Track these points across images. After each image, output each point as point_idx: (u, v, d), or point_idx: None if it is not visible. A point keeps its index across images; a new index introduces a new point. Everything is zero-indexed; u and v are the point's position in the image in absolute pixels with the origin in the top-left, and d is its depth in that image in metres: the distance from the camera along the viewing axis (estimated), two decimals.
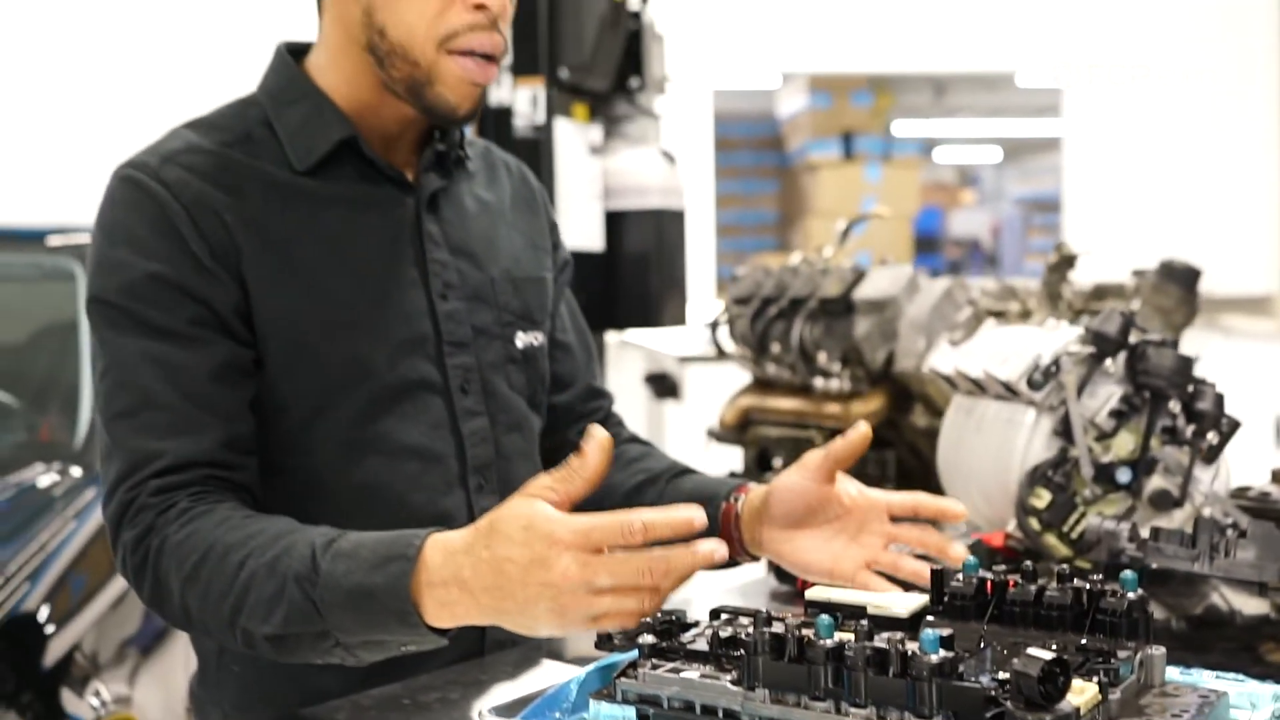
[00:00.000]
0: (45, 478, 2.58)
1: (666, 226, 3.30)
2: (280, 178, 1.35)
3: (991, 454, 1.66)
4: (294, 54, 1.45)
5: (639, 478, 1.57)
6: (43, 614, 2.16)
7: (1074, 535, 1.53)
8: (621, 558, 1.05)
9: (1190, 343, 2.47)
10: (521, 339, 1.50)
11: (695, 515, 1.07)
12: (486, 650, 1.39)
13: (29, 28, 6.91)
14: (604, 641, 1.09)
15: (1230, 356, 6.81)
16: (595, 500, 1.54)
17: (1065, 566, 1.07)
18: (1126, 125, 7.72)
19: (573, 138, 3.10)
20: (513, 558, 1.05)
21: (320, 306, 1.33)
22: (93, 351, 1.33)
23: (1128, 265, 2.66)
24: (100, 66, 6.97)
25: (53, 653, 2.13)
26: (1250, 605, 1.48)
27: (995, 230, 13.47)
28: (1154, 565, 1.35)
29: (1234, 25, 7.70)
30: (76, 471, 2.62)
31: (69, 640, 2.18)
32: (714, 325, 2.69)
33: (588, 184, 3.14)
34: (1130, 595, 1.02)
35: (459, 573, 1.08)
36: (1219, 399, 1.56)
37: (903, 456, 2.49)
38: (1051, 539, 1.54)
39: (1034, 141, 11.78)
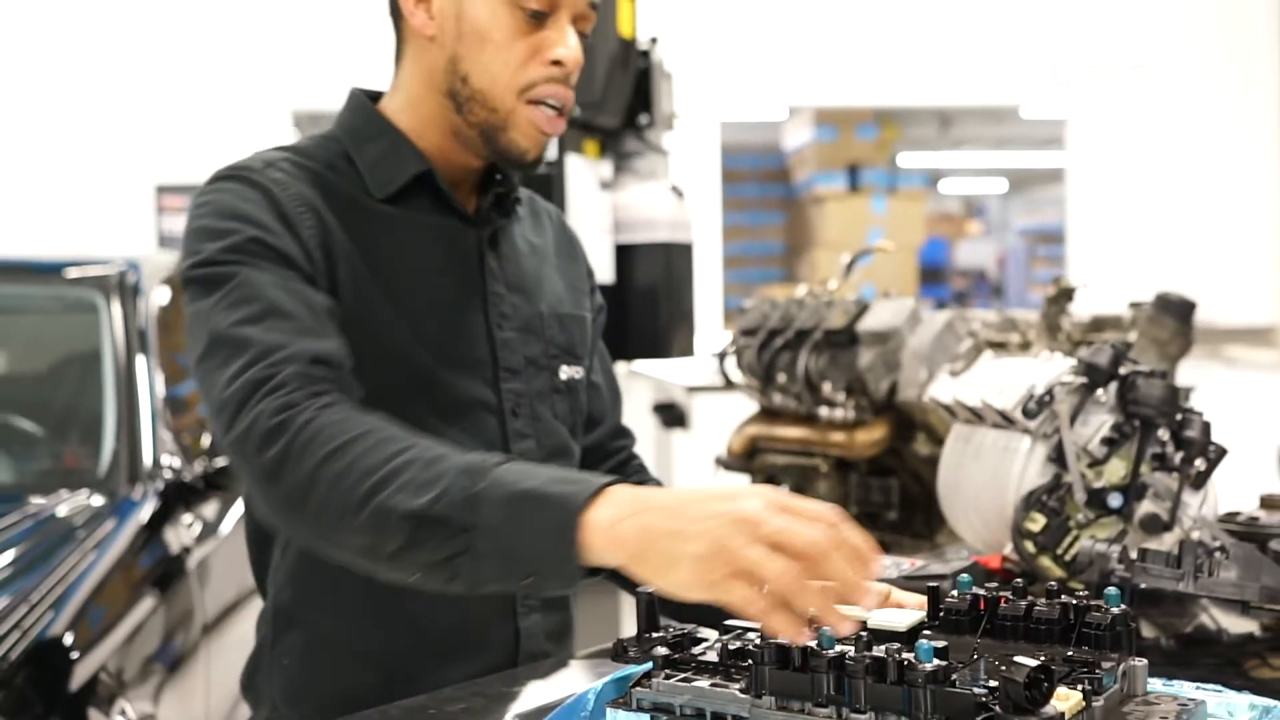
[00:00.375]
0: (65, 506, 2.64)
1: (675, 259, 3.37)
2: (363, 200, 1.44)
3: (989, 480, 1.73)
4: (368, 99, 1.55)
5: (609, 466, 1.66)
6: (68, 639, 2.21)
7: (1067, 558, 1.59)
8: (801, 524, 1.03)
9: (1192, 373, 2.54)
10: (565, 371, 1.59)
11: (881, 591, 1.09)
12: (520, 662, 1.46)
13: (48, 69, 7.02)
14: (620, 654, 1.15)
15: (1232, 387, 6.88)
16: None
17: (1054, 585, 1.14)
18: (1130, 157, 7.80)
19: (583, 173, 3.17)
20: (702, 490, 1.08)
21: (394, 317, 1.41)
22: (190, 318, 1.35)
23: (1126, 297, 2.73)
24: (121, 103, 7.07)
25: (78, 676, 2.19)
26: (1236, 625, 1.54)
27: (1001, 261, 13.55)
28: (1142, 585, 1.42)
29: (1237, 60, 7.79)
30: (98, 500, 2.68)
31: (94, 665, 2.24)
32: (721, 356, 2.76)
33: (598, 218, 3.22)
34: (1114, 610, 1.09)
35: (640, 494, 1.10)
36: (1206, 427, 1.63)
37: (905, 483, 2.56)
38: (1046, 561, 1.60)
39: (1039, 173, 11.88)
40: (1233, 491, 1.75)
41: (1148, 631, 1.54)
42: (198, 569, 2.77)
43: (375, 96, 1.55)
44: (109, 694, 2.22)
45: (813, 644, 1.02)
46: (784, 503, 1.04)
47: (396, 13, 1.48)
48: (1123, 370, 1.63)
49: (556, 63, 1.42)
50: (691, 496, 1.07)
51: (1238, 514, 1.88)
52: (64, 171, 7.01)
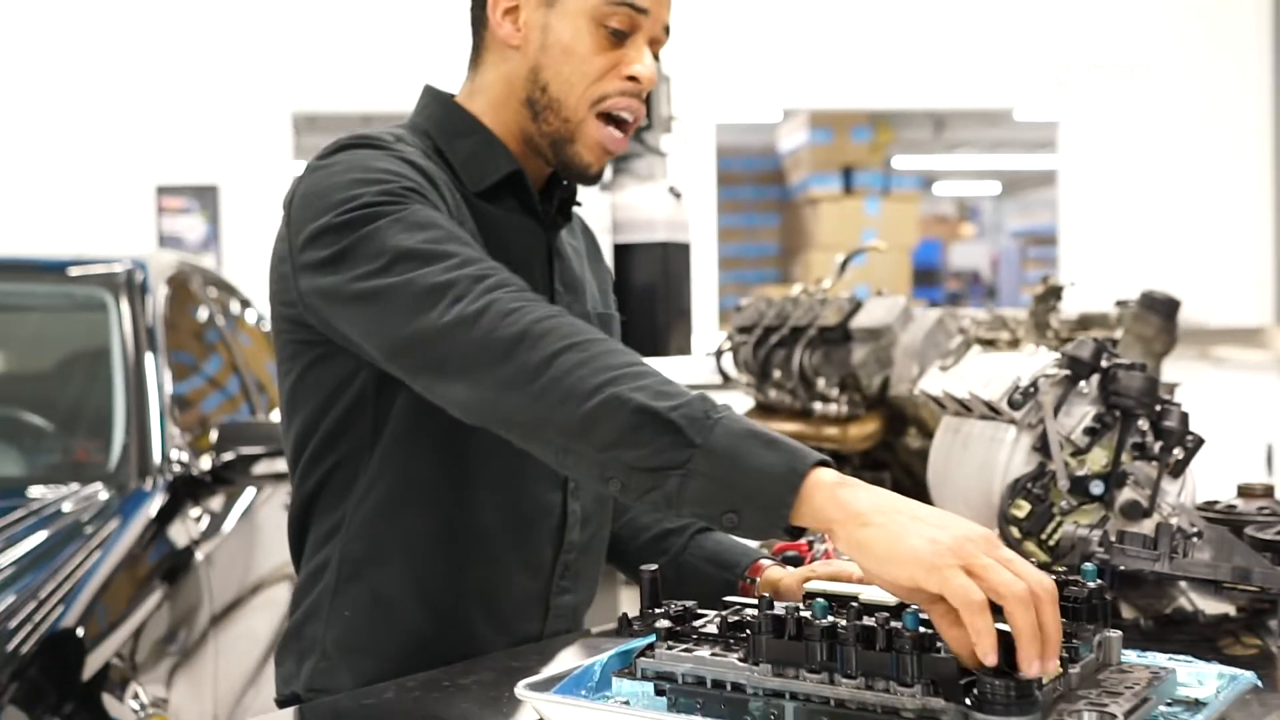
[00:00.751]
0: (75, 500, 2.68)
1: (673, 259, 3.44)
2: (461, 190, 1.50)
3: (976, 469, 1.80)
4: None
5: (665, 525, 1.70)
6: (79, 631, 2.26)
7: (1051, 542, 1.66)
8: (1029, 568, 1.04)
9: (1182, 373, 2.60)
10: None
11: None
12: (544, 636, 1.53)
13: (49, 69, 7.07)
14: (625, 627, 1.22)
15: (1223, 387, 6.95)
16: (622, 540, 1.68)
17: (1036, 563, 1.20)
18: (1121, 160, 7.87)
19: None
20: (928, 508, 1.10)
21: None
22: (339, 254, 1.34)
23: (1113, 296, 2.80)
24: (121, 103, 7.13)
25: (91, 666, 2.24)
26: (1213, 607, 1.61)
27: (994, 263, 13.64)
28: (1121, 567, 1.48)
29: (1227, 64, 7.86)
30: (108, 494, 2.73)
31: (105, 655, 2.29)
32: (718, 353, 2.83)
33: (596, 219, 3.28)
34: (1091, 585, 1.16)
35: (866, 485, 1.13)
36: (1184, 418, 1.69)
37: (897, 477, 2.63)
38: (1031, 546, 1.67)
39: (1031, 175, 11.96)
40: (1222, 488, 1.82)
41: (1128, 613, 1.61)
42: (205, 562, 2.83)
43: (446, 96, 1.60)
44: (121, 679, 2.27)
45: (807, 615, 1.09)
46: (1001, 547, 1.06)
47: (480, 20, 1.55)
48: (1104, 363, 1.70)
49: (632, 78, 1.50)
50: (912, 503, 1.10)
51: (1216, 502, 1.95)
52: (65, 172, 7.07)
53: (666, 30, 1.54)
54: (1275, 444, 6.47)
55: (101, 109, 7.09)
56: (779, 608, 1.10)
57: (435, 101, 1.59)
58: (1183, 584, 1.68)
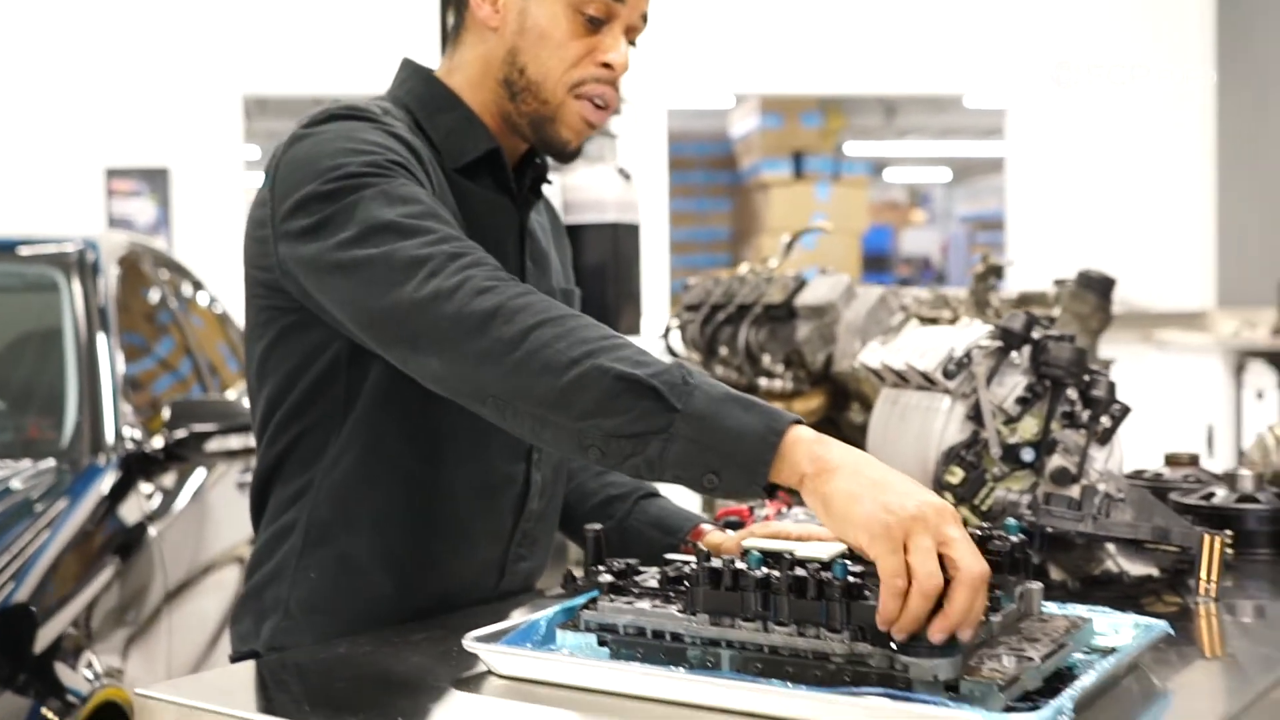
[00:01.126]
0: (26, 477, 2.69)
1: (622, 240, 3.48)
2: (441, 165, 1.53)
3: (913, 438, 1.86)
4: None
5: (610, 492, 1.75)
6: (33, 604, 2.27)
7: (984, 507, 1.72)
8: (951, 554, 1.08)
9: (1126, 355, 2.68)
10: None
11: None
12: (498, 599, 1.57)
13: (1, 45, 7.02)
14: (569, 583, 1.27)
15: (1166, 369, 7.06)
16: (569, 506, 1.73)
17: (963, 520, 1.26)
18: (1068, 147, 7.98)
19: None
20: (896, 473, 1.15)
21: None
22: (322, 221, 1.35)
23: (1053, 276, 2.87)
24: (71, 86, 7.08)
25: (44, 639, 2.25)
26: (1138, 569, 1.68)
27: (945, 249, 13.75)
28: (1049, 528, 1.54)
29: (1173, 54, 7.98)
30: (61, 470, 2.74)
31: (59, 627, 2.30)
32: (666, 330, 2.88)
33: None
34: (1013, 539, 1.21)
35: (840, 443, 1.18)
36: (1111, 387, 1.75)
37: None
38: (964, 510, 1.73)
39: (982, 162, 12.07)
40: (1123, 444, 1.87)
41: (1056, 575, 1.67)
42: (159, 538, 2.85)
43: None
44: (75, 648, 2.29)
45: (742, 566, 1.14)
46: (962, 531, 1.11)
47: (462, 1, 1.57)
48: (1035, 335, 1.76)
49: (607, 65, 1.53)
50: (883, 468, 1.15)
51: (1144, 471, 2.02)
52: (13, 154, 7.02)
53: (644, 19, 1.57)
54: (1215, 425, 6.60)
55: (50, 91, 7.05)
56: (715, 561, 1.15)
57: (415, 76, 1.61)
58: (1110, 547, 1.75)
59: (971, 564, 1.07)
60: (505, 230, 1.59)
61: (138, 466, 2.91)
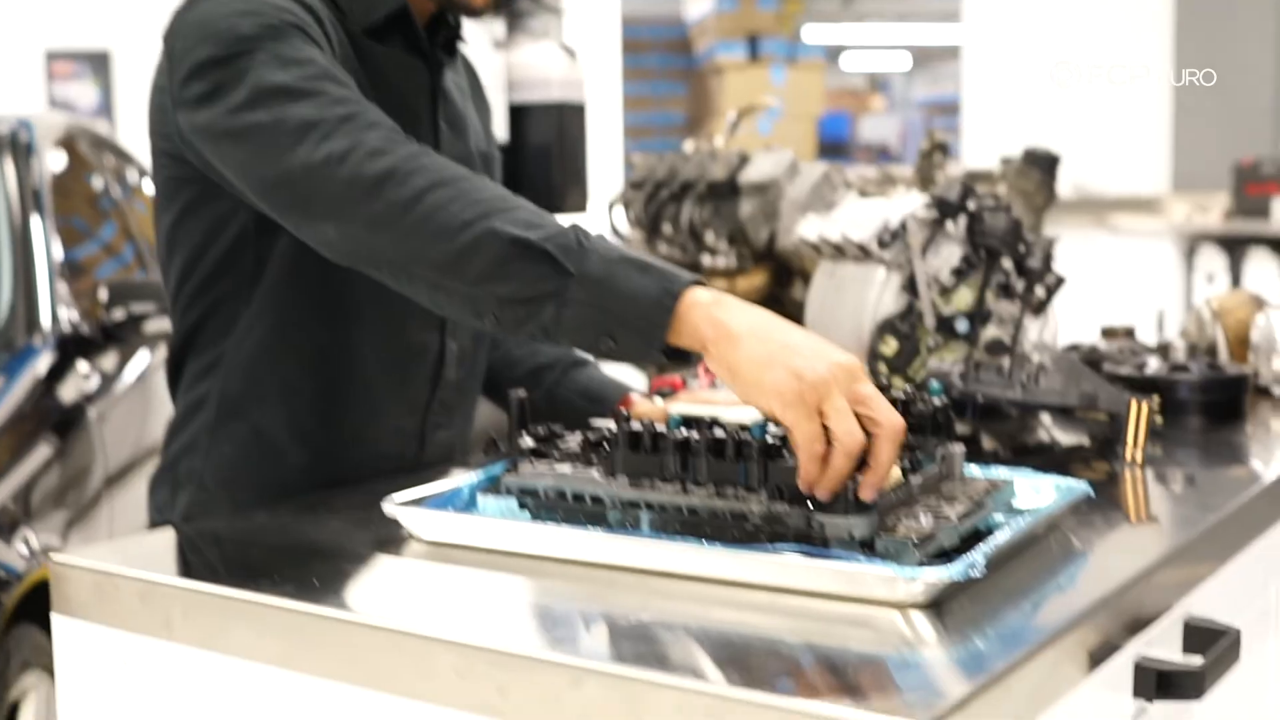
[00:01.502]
0: None
1: (568, 119, 3.43)
2: (347, 28, 1.47)
3: (850, 311, 1.85)
4: None
5: (538, 360, 1.73)
6: None
7: (918, 379, 1.72)
8: (866, 411, 1.05)
9: (1080, 239, 2.67)
10: None
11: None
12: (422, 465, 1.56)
13: None
14: (491, 448, 1.26)
15: (1119, 254, 7.09)
16: (496, 374, 1.71)
17: (886, 381, 1.25)
18: (1023, 31, 7.92)
19: (476, 32, 3.21)
20: (801, 332, 1.12)
21: None
22: (213, 85, 1.32)
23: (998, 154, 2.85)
24: None
25: None
26: (1070, 438, 1.68)
27: (903, 136, 13.69)
28: (979, 398, 1.54)
29: None
30: None
31: None
32: (610, 206, 2.85)
33: (491, 77, 3.26)
34: (936, 401, 1.21)
35: (742, 304, 1.14)
36: (1047, 257, 1.75)
37: None
38: (899, 382, 1.73)
39: (940, 50, 11.98)
40: (1059, 317, 1.87)
41: (988, 444, 1.67)
42: (98, 420, 2.83)
43: None
44: (11, 523, 2.28)
45: (662, 429, 1.13)
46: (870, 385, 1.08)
47: None
48: (971, 205, 1.74)
49: None
50: (789, 328, 1.12)
51: (1080, 344, 2.02)
52: None
53: None
54: (1166, 309, 6.65)
55: None
56: (635, 424, 1.14)
57: None
58: (1043, 417, 1.76)
59: (891, 418, 1.06)
60: (417, 93, 1.55)
61: (76, 348, 2.88)
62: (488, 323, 1.20)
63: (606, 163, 6.69)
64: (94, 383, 2.91)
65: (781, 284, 2.61)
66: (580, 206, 3.46)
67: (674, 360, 1.16)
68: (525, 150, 3.37)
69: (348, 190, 1.23)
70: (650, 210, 2.76)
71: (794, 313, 2.63)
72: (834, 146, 11.08)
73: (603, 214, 3.05)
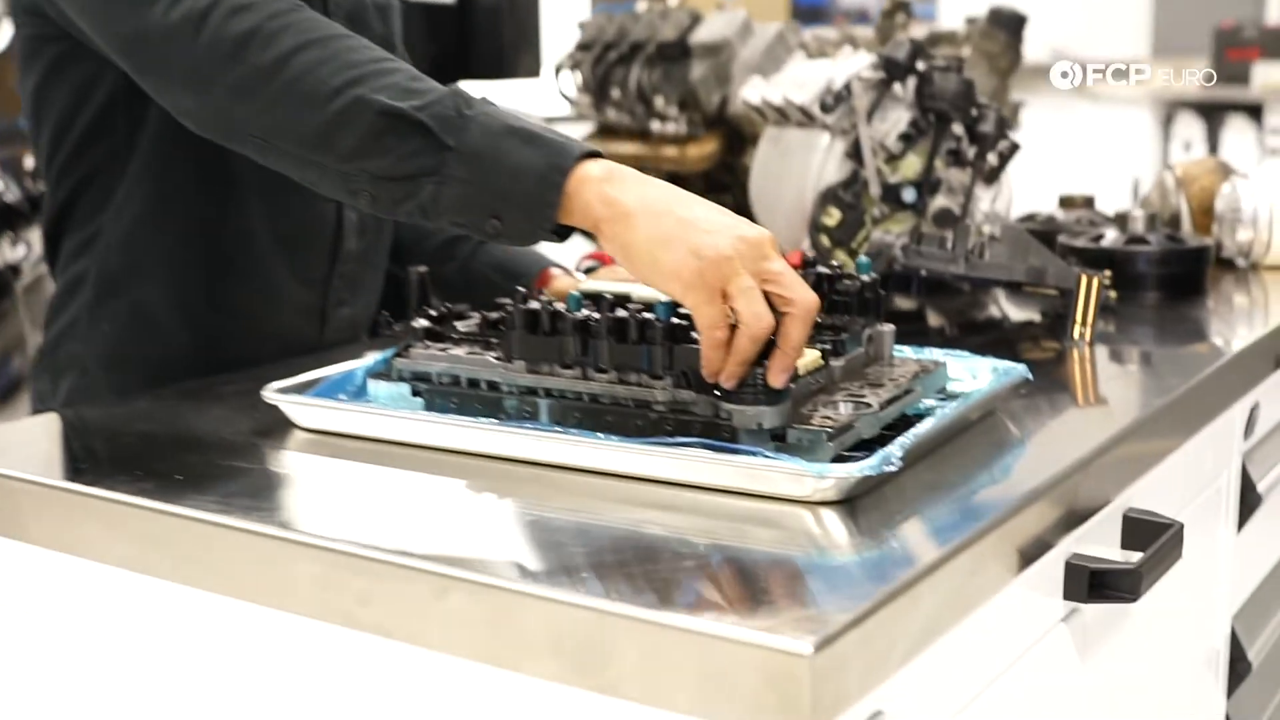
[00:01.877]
0: None
1: None
2: None
3: (794, 179, 1.75)
4: None
5: (452, 231, 1.61)
6: None
7: (860, 251, 1.62)
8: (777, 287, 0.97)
9: (1057, 106, 2.55)
10: None
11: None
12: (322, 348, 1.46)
13: None
14: (383, 328, 1.16)
15: (1096, 120, 6.96)
16: (407, 246, 1.60)
17: (811, 257, 1.16)
18: None
19: None
20: (703, 205, 1.02)
21: None
22: None
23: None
24: None
25: None
26: (1020, 314, 1.60)
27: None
28: (923, 271, 1.45)
29: None
30: None
31: None
32: (557, 71, 2.72)
33: None
34: (864, 278, 1.11)
35: (641, 174, 1.04)
36: (1000, 122, 1.64)
37: (738, 198, 2.57)
38: (841, 255, 1.63)
39: None
40: (1013, 186, 1.78)
41: (934, 320, 1.59)
42: (24, 294, 2.72)
43: None
44: None
45: (561, 308, 1.04)
46: (781, 257, 0.99)
47: None
48: (920, 65, 1.63)
49: None
50: (697, 198, 1.01)
51: (1036, 214, 1.93)
52: None
53: None
54: (1141, 177, 6.54)
55: None
56: (532, 303, 1.05)
57: None
58: (996, 293, 1.67)
59: (803, 295, 0.95)
60: None
61: (2, 219, 2.76)
62: (363, 202, 1.08)
63: (563, 24, 6.48)
64: (20, 253, 2.79)
65: (734, 151, 2.50)
66: (533, 71, 3.32)
67: (566, 240, 1.05)
68: (474, 9, 3.23)
69: (208, 54, 1.10)
70: (598, 74, 2.63)
71: (746, 182, 2.53)
72: (811, 12, 10.82)
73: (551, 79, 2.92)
